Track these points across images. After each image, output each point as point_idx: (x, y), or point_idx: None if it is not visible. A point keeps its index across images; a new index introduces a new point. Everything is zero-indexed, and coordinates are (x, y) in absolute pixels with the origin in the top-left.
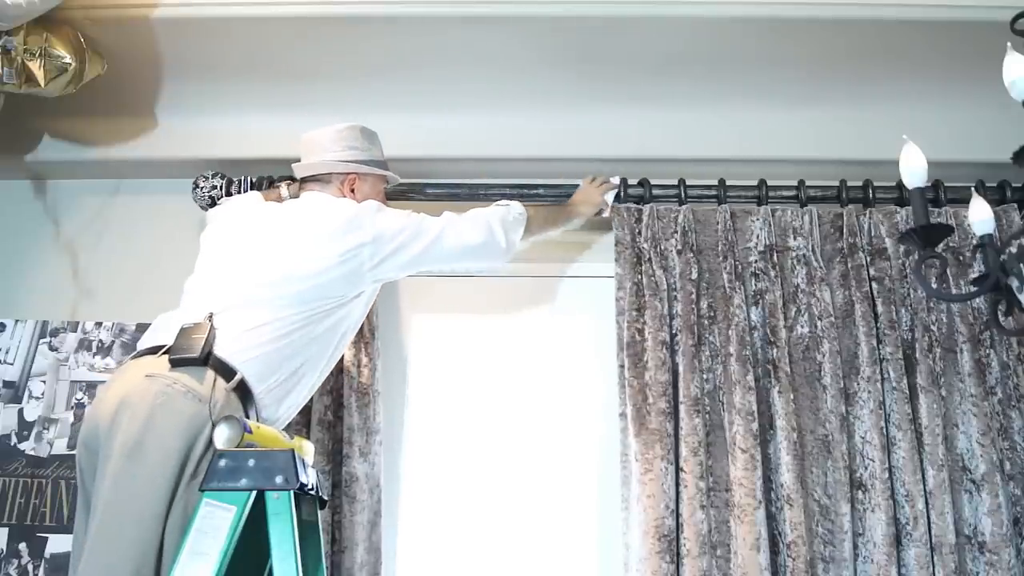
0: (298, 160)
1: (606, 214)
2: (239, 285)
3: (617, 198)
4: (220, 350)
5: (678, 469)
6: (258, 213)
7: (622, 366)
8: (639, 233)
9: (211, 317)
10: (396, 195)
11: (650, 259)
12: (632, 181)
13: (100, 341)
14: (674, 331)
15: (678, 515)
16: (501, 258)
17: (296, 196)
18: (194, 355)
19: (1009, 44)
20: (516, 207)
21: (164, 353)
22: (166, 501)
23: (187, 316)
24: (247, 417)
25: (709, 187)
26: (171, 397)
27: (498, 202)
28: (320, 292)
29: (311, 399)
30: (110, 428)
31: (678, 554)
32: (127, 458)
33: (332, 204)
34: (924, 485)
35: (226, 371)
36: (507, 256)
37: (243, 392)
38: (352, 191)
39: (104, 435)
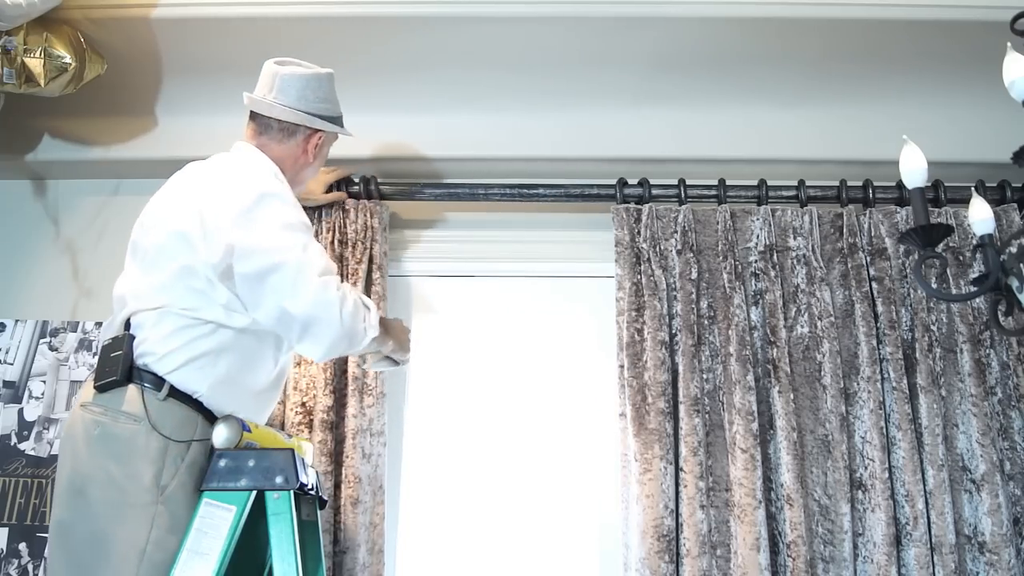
0: None
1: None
2: (147, 281)
3: (615, 198)
4: (142, 359)
5: (678, 469)
6: (168, 191)
7: (621, 366)
8: (638, 233)
9: (128, 324)
10: (398, 196)
11: (649, 259)
12: (632, 181)
13: (100, 341)
14: (674, 331)
15: (678, 515)
16: (339, 349)
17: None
18: (115, 377)
19: (1009, 44)
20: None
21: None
22: (126, 526)
23: (110, 328)
24: (208, 421)
25: (709, 187)
26: (105, 425)
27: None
28: (217, 290)
29: (311, 399)
30: (61, 457)
31: (678, 554)
32: (75, 495)
33: (239, 181)
34: (924, 485)
35: (154, 381)
36: (345, 347)
37: (183, 397)
38: (315, 148)
39: (59, 463)
